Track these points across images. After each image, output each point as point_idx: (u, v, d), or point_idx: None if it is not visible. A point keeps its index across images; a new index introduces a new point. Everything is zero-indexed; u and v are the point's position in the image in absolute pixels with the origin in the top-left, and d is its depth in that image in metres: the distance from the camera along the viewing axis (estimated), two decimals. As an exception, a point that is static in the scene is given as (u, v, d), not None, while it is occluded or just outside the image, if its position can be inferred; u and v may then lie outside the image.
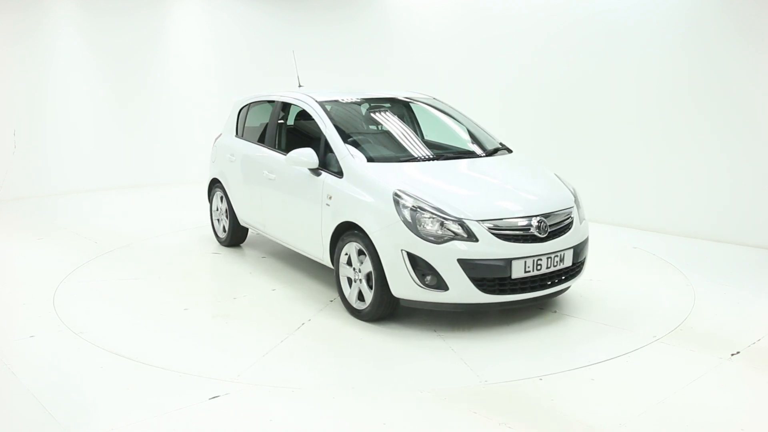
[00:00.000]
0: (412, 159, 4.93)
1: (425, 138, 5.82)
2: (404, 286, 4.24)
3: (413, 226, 4.18)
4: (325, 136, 5.02)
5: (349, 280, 4.63)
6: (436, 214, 4.18)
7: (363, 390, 3.59)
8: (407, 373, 3.81)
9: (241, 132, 6.43)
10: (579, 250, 4.57)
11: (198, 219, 7.74)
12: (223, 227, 6.52)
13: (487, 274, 4.15)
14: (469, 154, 5.18)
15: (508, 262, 4.16)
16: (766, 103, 6.38)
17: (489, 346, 4.18)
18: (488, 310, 4.60)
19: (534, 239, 4.26)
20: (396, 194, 4.32)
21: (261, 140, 5.95)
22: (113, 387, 3.61)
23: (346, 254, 4.62)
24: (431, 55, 9.29)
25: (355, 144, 4.97)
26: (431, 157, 4.96)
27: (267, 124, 5.92)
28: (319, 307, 4.83)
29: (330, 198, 4.75)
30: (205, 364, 3.88)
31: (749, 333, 4.34)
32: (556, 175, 5.06)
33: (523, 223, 4.27)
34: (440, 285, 4.16)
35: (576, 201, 4.77)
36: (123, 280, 5.48)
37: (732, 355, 4.01)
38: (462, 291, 4.16)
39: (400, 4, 9.71)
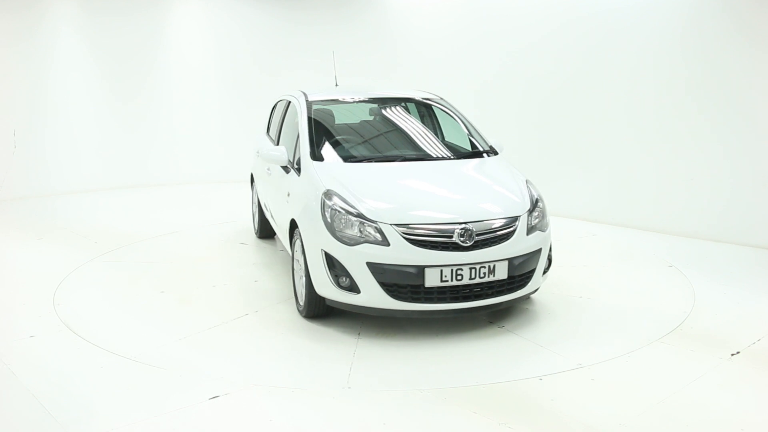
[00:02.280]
0: (371, 159, 4.92)
1: (414, 137, 5.74)
2: (324, 285, 4.25)
3: (331, 226, 4.19)
4: (299, 134, 5.16)
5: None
6: (352, 216, 4.15)
7: (363, 390, 3.59)
8: (407, 373, 3.81)
9: (267, 128, 6.69)
10: (518, 262, 4.22)
11: (198, 219, 7.74)
12: (255, 219, 6.87)
13: (397, 280, 4.03)
14: (436, 157, 5.04)
15: (421, 269, 4.00)
16: (765, 102, 6.38)
17: (489, 345, 4.18)
18: (405, 317, 4.33)
19: (456, 247, 4.06)
20: (324, 194, 4.36)
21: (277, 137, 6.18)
22: (113, 387, 3.61)
23: (297, 251, 4.69)
24: (431, 54, 9.28)
25: (336, 144, 5.08)
26: (392, 158, 4.95)
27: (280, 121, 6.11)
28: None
29: (288, 195, 4.90)
30: (205, 364, 3.88)
31: (749, 333, 4.34)
32: (528, 182, 4.77)
33: (444, 229, 4.07)
34: (353, 288, 4.13)
35: (535, 211, 4.47)
36: (123, 280, 5.48)
37: (732, 355, 4.01)
38: (372, 295, 4.09)
39: (401, 3, 9.71)
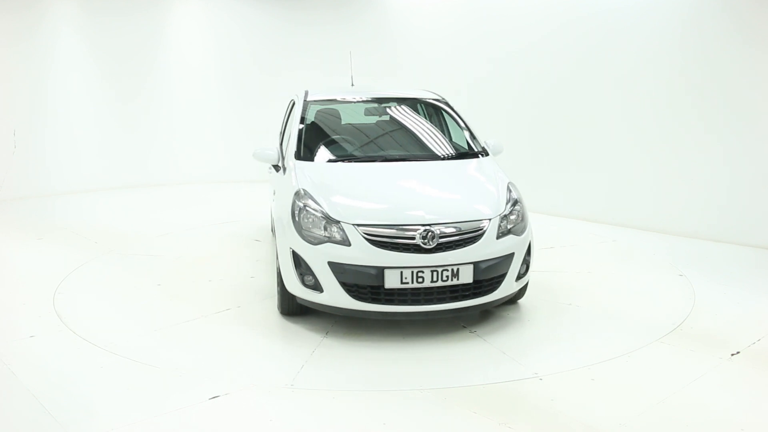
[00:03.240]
0: (351, 159, 4.93)
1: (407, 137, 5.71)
2: (292, 283, 4.30)
3: (299, 225, 4.24)
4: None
5: None
6: (318, 215, 4.19)
7: (363, 390, 3.59)
8: (407, 372, 3.81)
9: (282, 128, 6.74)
10: (485, 266, 4.12)
11: (198, 219, 7.74)
12: None
13: (357, 281, 4.02)
14: (421, 158, 5.00)
15: (380, 270, 3.98)
16: (765, 102, 6.38)
17: (488, 345, 4.19)
18: (367, 318, 4.29)
19: (418, 249, 4.02)
20: (296, 193, 4.41)
21: None
22: (113, 387, 3.61)
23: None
24: (431, 54, 9.29)
25: (322, 143, 5.12)
26: (375, 159, 4.95)
27: None
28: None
29: (274, 193, 5.03)
30: (205, 364, 3.88)
31: (749, 333, 4.34)
32: (510, 184, 4.63)
33: (406, 231, 4.04)
34: (317, 287, 4.15)
35: (512, 214, 4.36)
36: (123, 280, 5.48)
37: (732, 355, 4.01)
38: (333, 295, 4.10)
39: (401, 3, 9.71)
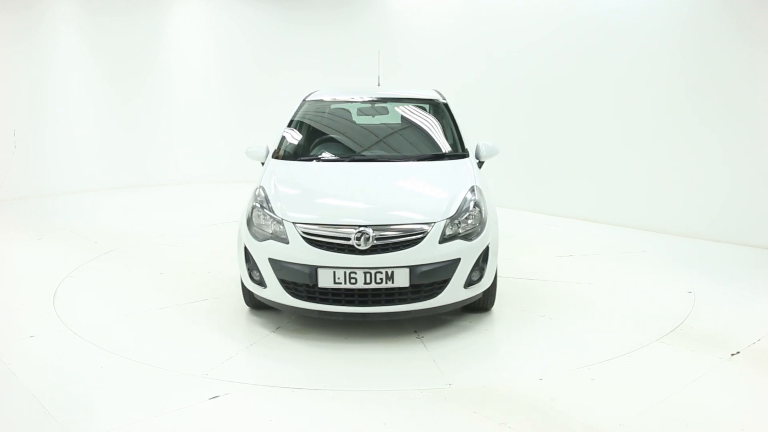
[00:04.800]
0: (320, 159, 5.00)
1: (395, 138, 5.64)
2: (245, 278, 4.44)
3: (251, 221, 4.37)
4: None
5: None
6: (266, 212, 4.30)
7: (363, 390, 3.59)
8: (407, 372, 3.81)
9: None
10: (423, 271, 4.02)
11: (198, 219, 7.74)
12: None
13: (294, 278, 4.08)
14: (391, 158, 4.94)
15: (314, 269, 4.00)
16: (765, 102, 6.38)
17: (488, 345, 4.19)
18: (305, 315, 4.35)
19: (352, 250, 4.00)
20: (255, 191, 4.55)
21: None
22: (113, 387, 3.61)
23: None
24: (431, 54, 9.29)
25: (303, 142, 5.24)
26: (345, 158, 4.98)
27: None
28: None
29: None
30: (205, 364, 3.88)
31: (749, 333, 4.34)
32: (474, 188, 4.45)
33: (341, 231, 4.03)
34: (261, 282, 4.25)
35: (467, 219, 4.23)
36: (123, 280, 5.48)
37: (732, 355, 4.01)
38: (274, 291, 4.19)
39: (401, 3, 9.71)
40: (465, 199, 4.33)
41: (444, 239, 4.11)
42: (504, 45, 8.45)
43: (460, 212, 4.23)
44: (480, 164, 5.20)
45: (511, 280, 5.42)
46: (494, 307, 4.76)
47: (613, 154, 7.59)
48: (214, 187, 10.09)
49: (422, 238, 4.06)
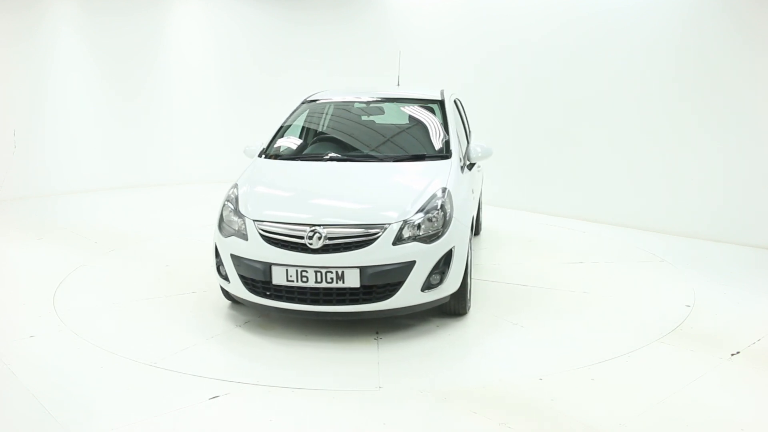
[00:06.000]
0: (297, 158, 5.14)
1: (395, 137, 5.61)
2: (216, 272, 4.58)
3: (221, 217, 4.53)
4: None
5: None
6: (233, 210, 4.43)
7: (363, 390, 3.59)
8: (407, 372, 3.81)
9: None
10: (374, 272, 3.99)
11: (198, 219, 7.73)
12: None
13: (251, 275, 4.18)
14: (369, 158, 4.95)
15: (268, 266, 4.08)
16: (764, 102, 6.38)
17: (488, 345, 4.19)
18: (265, 311, 4.47)
19: (305, 249, 4.03)
20: (230, 188, 4.70)
21: None
22: (113, 387, 3.61)
23: None
24: (431, 54, 9.29)
25: (288, 142, 5.36)
26: (322, 158, 5.01)
27: None
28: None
29: None
30: (205, 364, 3.88)
31: (749, 333, 4.34)
32: (444, 190, 4.36)
33: (295, 230, 4.08)
34: (227, 277, 4.38)
35: (430, 221, 4.16)
36: (123, 280, 5.48)
37: (732, 355, 4.01)
38: (236, 286, 4.30)
39: (401, 3, 9.71)
40: (429, 202, 4.27)
41: (398, 241, 4.07)
42: (504, 45, 8.45)
43: (420, 214, 4.18)
44: (470, 166, 5.15)
45: (508, 281, 5.42)
46: (471, 312, 4.68)
47: (613, 154, 7.59)
48: (214, 187, 10.06)
49: (375, 240, 4.04)
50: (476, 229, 6.74)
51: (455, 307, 4.54)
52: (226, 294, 4.69)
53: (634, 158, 7.41)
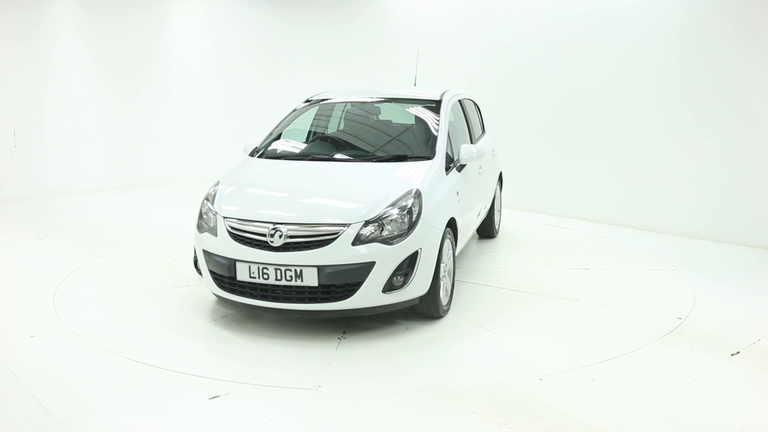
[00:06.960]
0: (288, 157, 5.18)
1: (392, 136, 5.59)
2: (194, 266, 4.67)
3: (200, 213, 4.64)
4: None
5: None
6: (209, 206, 4.54)
7: (363, 390, 3.59)
8: (407, 372, 3.81)
9: None
10: (332, 271, 4.00)
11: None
12: None
13: (219, 270, 4.30)
14: (353, 158, 4.99)
15: (233, 262, 4.19)
16: (764, 102, 6.38)
17: (488, 345, 4.19)
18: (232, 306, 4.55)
19: (267, 247, 4.10)
20: (212, 186, 4.82)
21: None
22: (113, 387, 3.62)
23: None
24: (431, 54, 9.28)
25: (276, 141, 5.43)
26: (303, 157, 5.13)
27: None
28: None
29: None
30: (205, 364, 3.88)
31: (749, 333, 4.35)
32: (415, 192, 4.32)
33: (258, 228, 4.17)
34: (200, 271, 4.54)
35: (389, 222, 4.14)
36: (123, 280, 5.48)
37: (732, 355, 4.01)
38: (207, 281, 4.45)
39: (400, 3, 9.71)
40: (396, 202, 4.24)
41: (358, 241, 4.07)
42: (503, 45, 8.44)
43: (383, 215, 4.16)
44: (461, 167, 5.13)
45: (501, 285, 5.42)
46: (449, 315, 4.64)
47: (611, 153, 7.58)
48: (214, 187, 10.07)
49: (334, 239, 4.06)
50: (491, 231, 6.72)
51: (427, 309, 4.48)
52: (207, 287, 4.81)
53: (633, 159, 7.40)
